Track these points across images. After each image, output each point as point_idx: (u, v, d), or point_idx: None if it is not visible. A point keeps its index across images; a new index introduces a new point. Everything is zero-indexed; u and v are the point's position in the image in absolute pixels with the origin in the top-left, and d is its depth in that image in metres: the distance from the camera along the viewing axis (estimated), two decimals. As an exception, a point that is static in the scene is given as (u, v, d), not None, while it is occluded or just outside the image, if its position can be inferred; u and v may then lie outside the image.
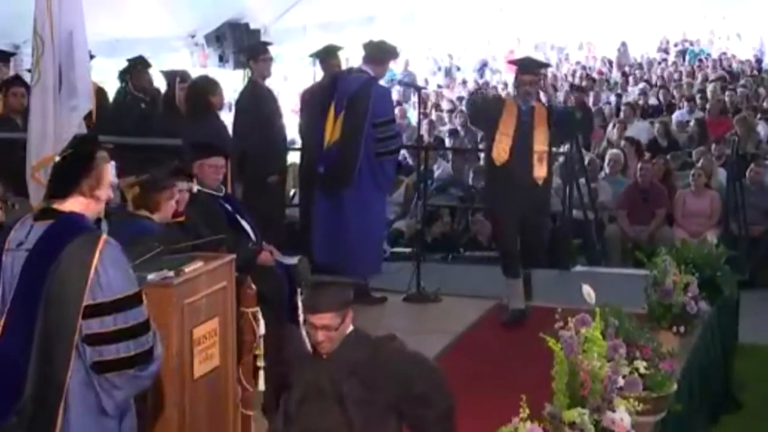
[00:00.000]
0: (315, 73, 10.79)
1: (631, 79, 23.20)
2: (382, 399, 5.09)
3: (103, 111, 10.22)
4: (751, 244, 11.96)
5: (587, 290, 5.64)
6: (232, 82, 14.67)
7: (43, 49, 7.77)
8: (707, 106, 18.05)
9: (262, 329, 6.20)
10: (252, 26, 15.78)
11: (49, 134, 7.74)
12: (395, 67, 22.48)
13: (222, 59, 15.47)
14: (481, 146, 13.53)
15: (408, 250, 12.06)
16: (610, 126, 17.04)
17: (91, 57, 8.71)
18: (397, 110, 14.99)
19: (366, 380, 5.11)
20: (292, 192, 12.46)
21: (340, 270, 8.83)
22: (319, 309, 5.11)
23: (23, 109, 9.33)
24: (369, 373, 5.11)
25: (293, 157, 11.25)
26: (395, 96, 19.08)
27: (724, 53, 26.25)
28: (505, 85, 22.27)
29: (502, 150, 9.11)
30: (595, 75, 23.72)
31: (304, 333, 5.35)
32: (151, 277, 5.46)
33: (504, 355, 8.43)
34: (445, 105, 21.38)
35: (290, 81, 18.81)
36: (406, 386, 5.10)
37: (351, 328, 5.24)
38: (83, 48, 7.97)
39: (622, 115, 17.77)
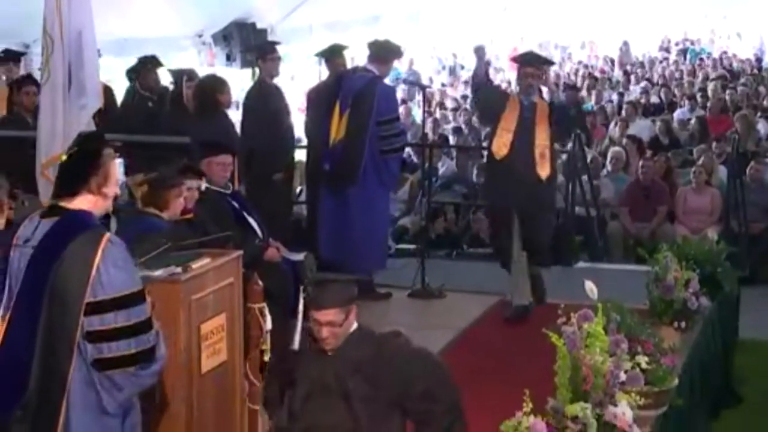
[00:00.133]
0: (321, 72, 10.79)
1: (633, 77, 23.17)
2: (386, 395, 5.13)
3: (111, 109, 10.29)
4: (751, 241, 11.97)
5: (590, 286, 5.64)
6: (239, 81, 14.67)
7: (52, 49, 7.81)
8: (708, 104, 18.05)
9: (268, 325, 6.22)
10: (259, 26, 15.76)
11: (59, 132, 7.79)
12: (400, 66, 22.44)
13: (229, 58, 15.45)
14: (484, 144, 13.56)
15: (413, 246, 12.07)
16: (612, 124, 17.04)
17: (99, 55, 8.77)
18: (402, 108, 15.05)
19: (371, 377, 5.13)
20: (299, 189, 12.49)
21: (346, 266, 8.93)
22: (324, 305, 5.14)
23: (34, 108, 9.34)
24: (374, 370, 5.14)
25: (300, 155, 11.28)
26: (400, 94, 19.08)
27: (725, 52, 26.25)
28: (509, 83, 22.27)
29: (502, 144, 9.13)
30: (597, 74, 23.69)
31: (298, 328, 5.40)
32: (158, 273, 5.49)
33: (507, 350, 8.46)
34: (449, 103, 21.38)
35: (296, 80, 18.81)
36: (411, 382, 5.13)
37: (355, 325, 5.26)
38: (92, 47, 8.00)
39: (624, 113, 17.75)
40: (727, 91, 19.07)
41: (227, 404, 6.07)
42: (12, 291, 4.79)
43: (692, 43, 28.24)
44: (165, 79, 11.36)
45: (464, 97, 20.56)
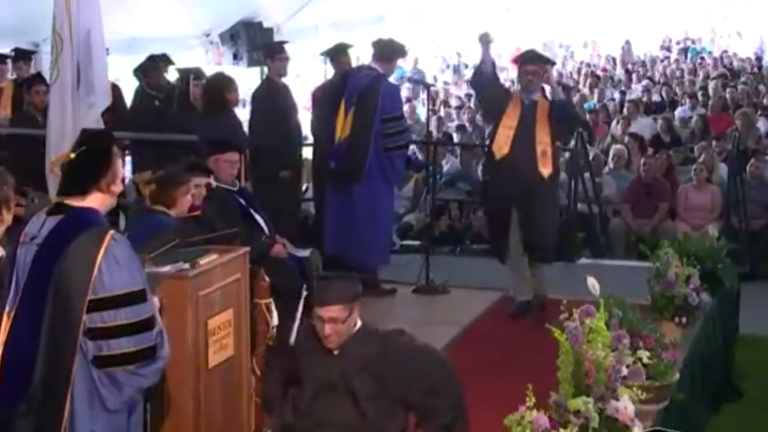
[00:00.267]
0: (326, 71, 10.85)
1: (634, 76, 23.20)
2: (391, 392, 5.17)
3: (119, 108, 10.36)
4: (751, 238, 12.00)
5: (592, 282, 5.61)
6: (246, 80, 14.71)
7: (61, 48, 7.89)
8: (709, 102, 18.07)
9: (275, 320, 6.27)
10: (265, 25, 15.78)
11: (68, 130, 7.86)
12: (405, 65, 22.49)
13: (236, 57, 15.47)
14: (488, 141, 13.58)
15: (417, 243, 12.12)
16: (614, 122, 17.06)
17: (107, 54, 8.81)
18: (406, 107, 15.05)
19: (376, 375, 5.17)
20: (306, 186, 12.54)
21: (350, 262, 8.99)
22: (327, 302, 5.17)
23: (44, 106, 9.40)
24: (379, 368, 5.18)
25: (307, 153, 11.32)
26: (405, 93, 19.14)
27: (725, 51, 26.31)
28: (512, 82, 22.30)
29: (502, 143, 9.18)
30: (599, 72, 23.73)
31: (296, 324, 5.45)
32: (166, 269, 5.56)
33: (510, 346, 8.51)
34: (453, 101, 21.41)
35: (302, 78, 18.84)
36: (416, 379, 5.18)
37: (360, 323, 5.30)
38: (101, 46, 8.09)
39: (625, 111, 17.77)
40: (728, 90, 19.10)
41: (234, 399, 6.12)
42: (19, 287, 4.80)
43: (693, 42, 28.29)
44: (172, 77, 11.42)
45: (468, 95, 20.57)
